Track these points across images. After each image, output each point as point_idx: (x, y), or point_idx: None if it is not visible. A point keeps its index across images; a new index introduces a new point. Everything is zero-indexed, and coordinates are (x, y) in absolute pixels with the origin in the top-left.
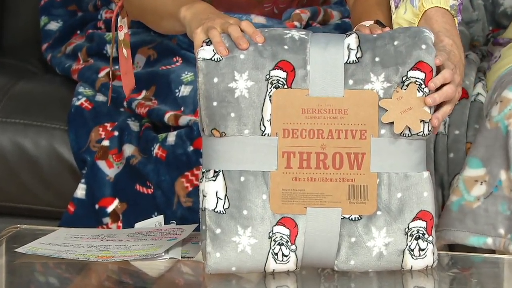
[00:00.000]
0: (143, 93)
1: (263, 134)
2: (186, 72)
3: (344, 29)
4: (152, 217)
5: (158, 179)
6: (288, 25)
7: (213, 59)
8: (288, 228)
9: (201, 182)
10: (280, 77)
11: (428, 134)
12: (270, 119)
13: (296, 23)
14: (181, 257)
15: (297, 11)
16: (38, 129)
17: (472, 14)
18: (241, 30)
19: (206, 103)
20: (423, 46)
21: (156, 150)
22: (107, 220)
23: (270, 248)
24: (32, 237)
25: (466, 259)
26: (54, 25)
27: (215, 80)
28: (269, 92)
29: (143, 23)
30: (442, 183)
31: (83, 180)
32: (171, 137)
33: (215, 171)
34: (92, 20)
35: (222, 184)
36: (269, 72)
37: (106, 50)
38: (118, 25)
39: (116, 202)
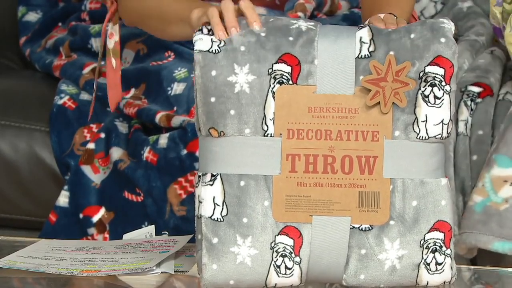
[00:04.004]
0: (132, 91)
1: (266, 134)
2: (179, 68)
3: (353, 20)
4: (142, 227)
5: (149, 185)
6: (291, 16)
7: (210, 50)
8: (292, 238)
9: (197, 187)
10: (284, 72)
11: (447, 136)
12: (273, 118)
13: (299, 13)
14: (174, 271)
15: (301, 0)
16: (16, 130)
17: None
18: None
19: (204, 99)
20: (442, 40)
21: (147, 153)
22: (92, 230)
23: (272, 259)
24: (9, 249)
25: (491, 273)
26: (33, 16)
27: (213, 73)
28: (272, 88)
29: (142, 29)
30: (463, 188)
31: (66, 187)
32: (163, 140)
33: (212, 175)
34: (75, 11)
35: (220, 189)
36: (272, 65)
37: (91, 44)
38: (109, 32)
39: (102, 211)
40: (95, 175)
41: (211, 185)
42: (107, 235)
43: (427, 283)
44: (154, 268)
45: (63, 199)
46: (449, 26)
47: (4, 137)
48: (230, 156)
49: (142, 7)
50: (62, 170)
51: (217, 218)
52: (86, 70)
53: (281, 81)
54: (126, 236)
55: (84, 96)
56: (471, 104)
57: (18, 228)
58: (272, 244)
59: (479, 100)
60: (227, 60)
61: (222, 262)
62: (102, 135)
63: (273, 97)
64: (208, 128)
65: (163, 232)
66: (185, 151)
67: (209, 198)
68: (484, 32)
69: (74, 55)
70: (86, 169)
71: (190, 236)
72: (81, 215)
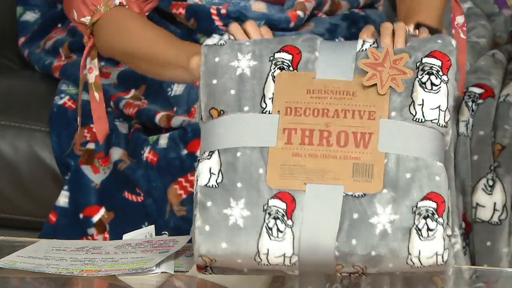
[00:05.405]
0: (132, 92)
1: (264, 112)
2: None
3: (352, 19)
4: (142, 227)
5: (149, 185)
6: (290, 14)
7: (217, 44)
8: (285, 202)
9: (196, 170)
10: (285, 59)
11: (445, 126)
12: (272, 97)
13: (299, 12)
14: (174, 271)
15: None
16: (16, 130)
17: (494, 6)
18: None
19: (206, 82)
20: (439, 41)
21: (147, 153)
22: (92, 230)
23: (264, 221)
24: (9, 249)
25: (491, 273)
26: (30, 16)
27: (217, 59)
28: (273, 72)
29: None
30: (463, 188)
31: (66, 187)
32: (163, 140)
33: (210, 151)
34: None
35: (217, 160)
36: (274, 54)
37: None
38: (88, 67)
39: (102, 211)
40: (95, 175)
41: (209, 159)
42: (107, 235)
43: (419, 253)
44: (154, 268)
45: (63, 199)
46: (450, 38)
47: (4, 137)
48: (229, 134)
49: (127, 46)
50: (62, 170)
51: (212, 185)
52: (86, 70)
53: (281, 67)
54: (126, 236)
55: (85, 96)
56: (472, 105)
57: (18, 228)
58: (265, 207)
59: (480, 101)
60: (231, 50)
61: (215, 222)
62: None
63: (273, 80)
64: (209, 109)
65: (163, 232)
66: (185, 151)
67: (205, 169)
68: (485, 34)
69: (74, 56)
70: (86, 169)
71: (190, 236)
72: (81, 215)
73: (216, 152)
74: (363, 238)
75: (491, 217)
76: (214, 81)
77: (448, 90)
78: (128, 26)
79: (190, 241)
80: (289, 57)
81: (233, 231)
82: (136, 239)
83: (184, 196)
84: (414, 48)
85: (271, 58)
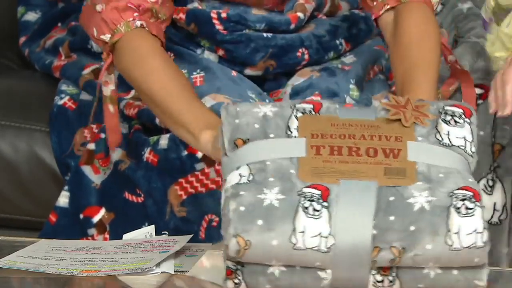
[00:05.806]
0: (132, 92)
1: (290, 137)
2: None
3: (353, 20)
4: (142, 227)
5: (149, 186)
6: (290, 16)
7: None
8: (319, 190)
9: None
10: (307, 108)
11: (471, 155)
12: (297, 127)
13: (299, 14)
14: (174, 271)
15: (301, 0)
16: (16, 130)
17: None
18: None
19: (228, 122)
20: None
21: (147, 154)
22: (92, 231)
23: (300, 203)
24: (9, 249)
25: (491, 273)
26: (32, 16)
27: (238, 108)
28: (295, 114)
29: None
30: None
31: (66, 187)
32: (164, 140)
33: (237, 167)
34: (75, 12)
35: (246, 169)
36: (295, 105)
37: (91, 44)
38: (104, 80)
39: (102, 211)
40: (95, 176)
41: (237, 169)
42: (107, 236)
43: (459, 229)
44: (154, 268)
45: (63, 199)
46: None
47: (4, 137)
48: (256, 152)
49: (144, 85)
50: (62, 170)
51: (243, 182)
52: (86, 70)
53: (303, 112)
54: (126, 236)
55: (85, 96)
56: None
57: (18, 228)
58: (299, 192)
59: (480, 101)
60: (252, 104)
61: (250, 204)
62: (102, 136)
63: (296, 119)
64: (233, 140)
65: (163, 233)
66: (185, 152)
67: (235, 175)
68: (485, 34)
69: (74, 56)
70: (86, 170)
71: (190, 236)
72: (81, 216)
73: (245, 165)
74: (401, 214)
75: (491, 217)
76: (237, 121)
77: (472, 129)
78: (149, 62)
79: (190, 241)
80: (311, 106)
81: (268, 210)
82: (136, 239)
83: (184, 197)
84: (436, 101)
85: (292, 107)
